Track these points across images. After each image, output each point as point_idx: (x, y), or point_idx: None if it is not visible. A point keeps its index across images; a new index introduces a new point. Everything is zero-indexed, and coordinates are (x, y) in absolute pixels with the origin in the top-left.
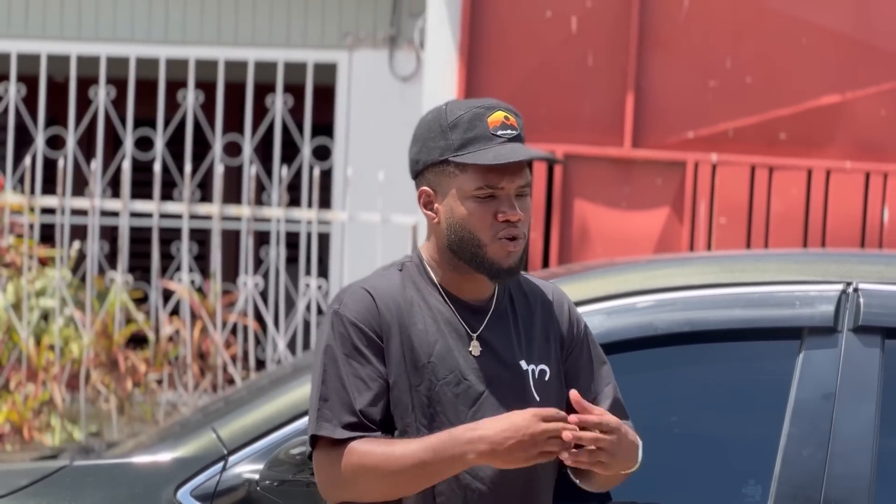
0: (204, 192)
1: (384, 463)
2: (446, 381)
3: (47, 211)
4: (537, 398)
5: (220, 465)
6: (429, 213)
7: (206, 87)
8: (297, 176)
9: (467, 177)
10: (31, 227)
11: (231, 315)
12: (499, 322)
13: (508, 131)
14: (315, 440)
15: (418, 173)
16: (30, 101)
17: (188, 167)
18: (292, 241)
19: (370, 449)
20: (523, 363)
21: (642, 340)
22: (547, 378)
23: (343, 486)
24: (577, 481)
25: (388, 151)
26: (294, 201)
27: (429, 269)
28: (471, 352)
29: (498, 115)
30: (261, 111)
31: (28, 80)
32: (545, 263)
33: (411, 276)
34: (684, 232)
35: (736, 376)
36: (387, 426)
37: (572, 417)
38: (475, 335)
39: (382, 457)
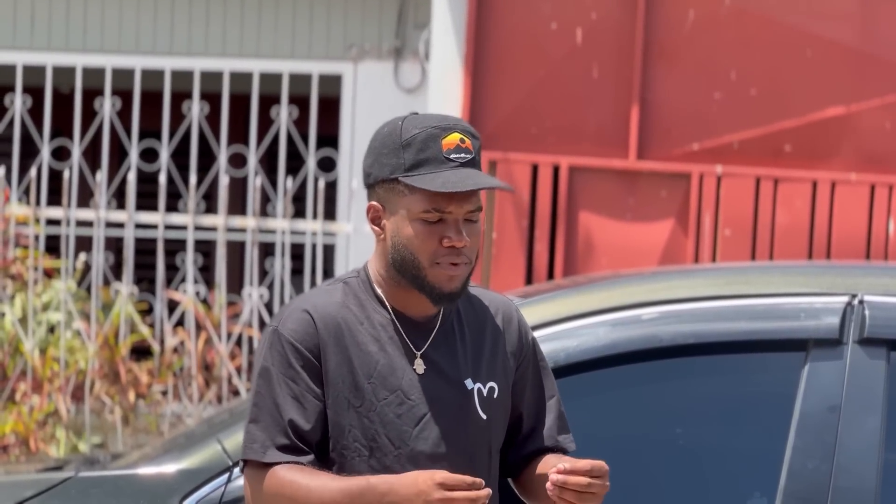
0: (209, 203)
1: (301, 497)
2: (387, 401)
3: (52, 222)
4: (484, 416)
5: (226, 476)
6: (375, 228)
7: (211, 98)
8: (301, 187)
9: (415, 198)
10: (37, 238)
11: (236, 326)
12: (445, 339)
13: (462, 155)
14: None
15: (369, 186)
16: (35, 112)
17: (193, 178)
18: (297, 252)
19: (292, 479)
20: (469, 382)
21: (647, 352)
22: (496, 396)
23: None
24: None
25: None
26: (299, 213)
27: (375, 284)
28: (415, 370)
29: (453, 138)
30: (266, 122)
31: (33, 91)
32: (550, 275)
33: (355, 292)
34: (689, 244)
35: (741, 388)
36: (323, 448)
37: (554, 477)
38: (419, 353)
39: (301, 490)
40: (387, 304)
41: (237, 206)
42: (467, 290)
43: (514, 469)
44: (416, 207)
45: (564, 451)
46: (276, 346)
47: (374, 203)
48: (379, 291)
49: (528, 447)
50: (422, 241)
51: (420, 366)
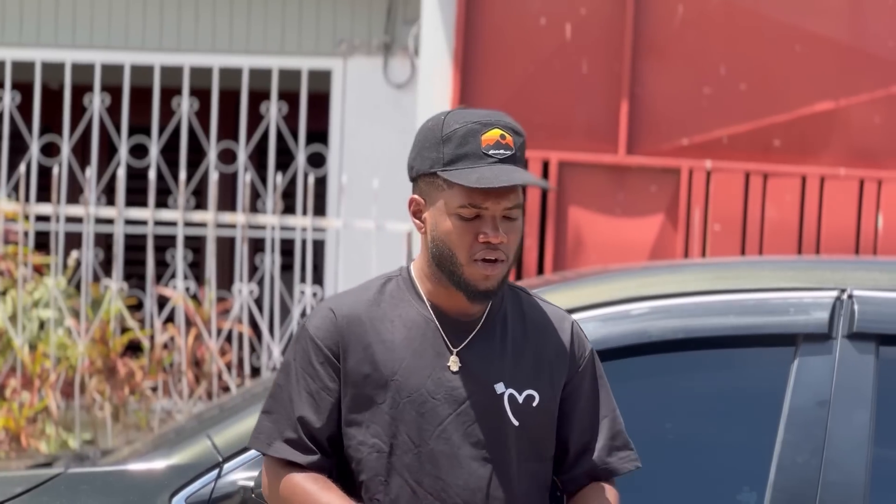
0: (198, 199)
1: None
2: (410, 399)
3: (42, 219)
4: (516, 423)
5: (215, 472)
6: (417, 221)
7: (201, 94)
8: (291, 183)
9: (453, 193)
10: (26, 234)
11: (226, 322)
12: (484, 341)
13: (501, 151)
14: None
15: (413, 179)
16: (24, 108)
17: (183, 174)
18: (287, 248)
19: (305, 488)
20: (500, 386)
21: (637, 347)
22: (535, 404)
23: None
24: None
25: (383, 159)
26: (289, 208)
27: (416, 281)
28: (448, 367)
29: (493, 133)
30: (255, 118)
31: (22, 87)
32: (540, 270)
33: (393, 290)
34: (679, 239)
35: (730, 383)
36: (336, 445)
37: None
38: (455, 351)
39: (309, 501)
40: (426, 300)
41: (227, 201)
42: (510, 290)
43: (568, 486)
44: (453, 202)
45: (616, 473)
46: (301, 341)
47: (415, 196)
48: (420, 288)
49: (579, 468)
50: (458, 236)
51: (455, 363)
